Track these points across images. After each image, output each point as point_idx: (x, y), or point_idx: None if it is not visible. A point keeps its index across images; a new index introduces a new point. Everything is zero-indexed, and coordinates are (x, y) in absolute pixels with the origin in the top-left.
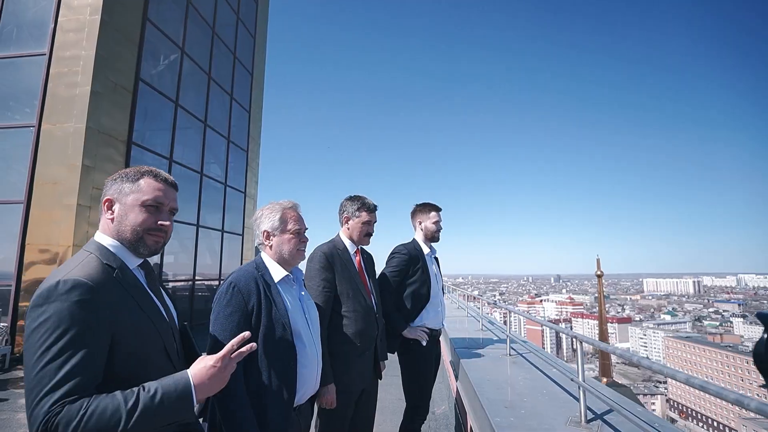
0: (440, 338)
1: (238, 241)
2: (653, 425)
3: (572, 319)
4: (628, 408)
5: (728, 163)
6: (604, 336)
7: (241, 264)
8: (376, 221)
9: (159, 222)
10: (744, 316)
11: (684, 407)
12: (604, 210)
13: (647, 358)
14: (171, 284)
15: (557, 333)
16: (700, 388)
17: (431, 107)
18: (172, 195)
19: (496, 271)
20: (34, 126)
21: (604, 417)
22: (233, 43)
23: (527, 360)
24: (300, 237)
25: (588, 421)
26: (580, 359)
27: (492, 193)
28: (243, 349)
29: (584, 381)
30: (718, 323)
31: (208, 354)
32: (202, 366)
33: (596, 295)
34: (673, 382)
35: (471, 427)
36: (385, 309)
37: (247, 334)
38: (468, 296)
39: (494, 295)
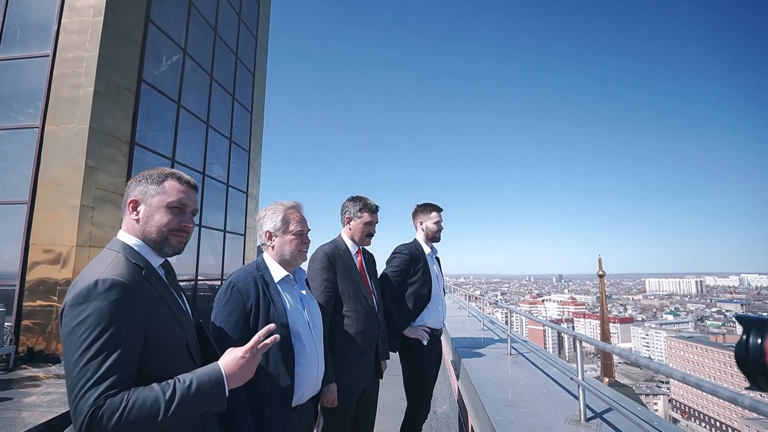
0: (441, 338)
1: (240, 241)
2: (652, 423)
3: (574, 319)
4: (628, 407)
5: (731, 162)
6: (606, 336)
7: (243, 264)
8: (377, 222)
9: (183, 223)
10: None
11: (686, 407)
12: (606, 210)
13: (649, 358)
14: None
15: (559, 333)
16: (696, 386)
17: (432, 107)
18: (193, 197)
19: (498, 271)
20: (37, 127)
21: (604, 415)
22: (235, 43)
23: (528, 359)
24: (302, 238)
25: (587, 420)
26: (579, 358)
27: (494, 193)
28: (267, 341)
29: (584, 380)
30: (720, 323)
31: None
32: (232, 357)
33: (598, 294)
34: (676, 382)
35: (472, 426)
36: (386, 308)
37: (272, 326)
38: (469, 296)
39: (496, 295)
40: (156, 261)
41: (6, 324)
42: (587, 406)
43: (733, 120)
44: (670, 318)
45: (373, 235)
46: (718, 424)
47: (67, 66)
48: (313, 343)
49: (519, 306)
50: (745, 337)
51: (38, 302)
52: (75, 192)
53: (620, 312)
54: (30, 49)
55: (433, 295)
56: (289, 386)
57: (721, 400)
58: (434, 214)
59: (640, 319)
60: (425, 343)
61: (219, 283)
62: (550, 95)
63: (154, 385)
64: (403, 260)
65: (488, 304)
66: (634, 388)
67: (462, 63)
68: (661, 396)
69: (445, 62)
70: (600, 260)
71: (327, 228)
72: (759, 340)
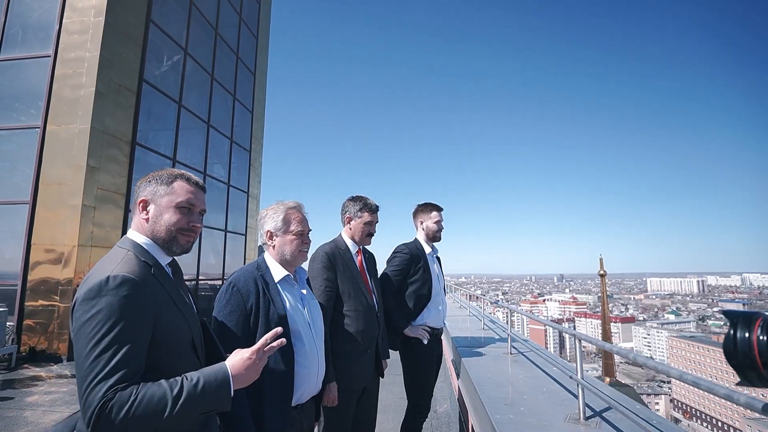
0: (442, 337)
1: (241, 240)
2: (651, 422)
3: (575, 318)
4: (627, 405)
5: (733, 161)
6: (607, 336)
7: (244, 264)
8: (377, 221)
9: (191, 223)
10: None
11: (688, 407)
12: (607, 209)
13: (650, 357)
14: None
15: (560, 333)
16: (693, 384)
17: (432, 106)
18: (201, 197)
19: (499, 271)
20: (39, 127)
21: (603, 414)
22: (236, 43)
23: (528, 359)
24: (303, 238)
25: (587, 418)
26: (579, 358)
27: (495, 192)
28: (274, 344)
29: (583, 379)
30: (722, 323)
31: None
32: (239, 358)
33: (600, 294)
34: (677, 382)
35: (472, 426)
36: (386, 308)
37: (279, 329)
38: (470, 295)
39: (497, 295)
40: (164, 260)
41: (8, 324)
42: (587, 405)
43: (735, 119)
44: (672, 318)
45: (373, 235)
46: (720, 424)
47: (69, 66)
48: (314, 343)
49: (520, 306)
50: (732, 331)
51: (40, 302)
52: (76, 192)
53: (622, 312)
54: (31, 50)
55: (433, 295)
56: (290, 386)
57: (722, 400)
58: (435, 213)
59: (641, 318)
60: (425, 342)
61: (220, 282)
62: (550, 94)
63: (162, 381)
64: (403, 260)
65: (489, 304)
66: (635, 387)
67: (463, 62)
68: (663, 396)
69: (446, 61)
70: (601, 260)
71: (327, 228)
72: (746, 334)
